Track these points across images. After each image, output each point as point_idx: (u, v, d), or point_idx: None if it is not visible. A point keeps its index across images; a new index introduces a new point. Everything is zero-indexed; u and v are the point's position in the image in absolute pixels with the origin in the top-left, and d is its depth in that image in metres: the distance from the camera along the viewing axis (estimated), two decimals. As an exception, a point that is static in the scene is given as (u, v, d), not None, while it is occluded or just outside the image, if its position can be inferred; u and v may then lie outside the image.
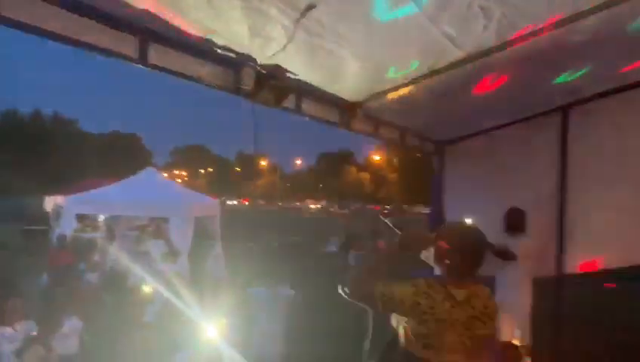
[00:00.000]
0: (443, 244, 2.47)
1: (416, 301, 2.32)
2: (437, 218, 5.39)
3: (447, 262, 2.46)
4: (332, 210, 59.14)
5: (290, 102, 2.82)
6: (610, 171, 4.52)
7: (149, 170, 12.43)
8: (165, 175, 14.71)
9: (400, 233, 2.61)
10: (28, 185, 20.33)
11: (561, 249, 4.72)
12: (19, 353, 3.31)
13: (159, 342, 4.37)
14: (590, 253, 4.64)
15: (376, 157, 71.26)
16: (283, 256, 12.97)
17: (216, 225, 12.59)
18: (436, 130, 4.87)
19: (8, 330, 3.45)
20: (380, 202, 66.47)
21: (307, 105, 3.02)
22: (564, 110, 4.70)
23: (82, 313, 4.89)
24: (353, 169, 75.71)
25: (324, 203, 71.60)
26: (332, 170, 73.71)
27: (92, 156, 48.62)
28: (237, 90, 2.40)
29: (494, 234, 4.57)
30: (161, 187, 11.87)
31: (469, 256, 2.47)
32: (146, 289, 6.45)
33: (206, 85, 2.35)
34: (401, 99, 3.43)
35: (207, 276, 10.22)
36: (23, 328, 3.51)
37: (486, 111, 4.51)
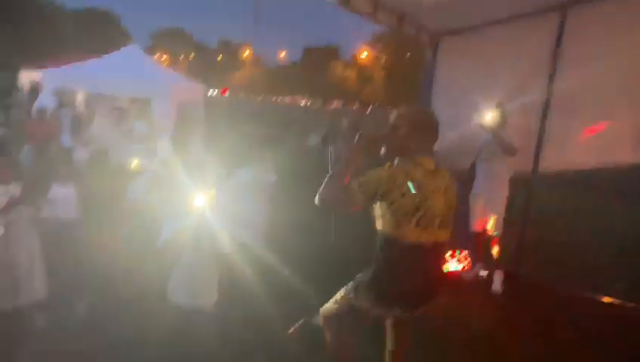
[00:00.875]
0: (402, 127, 2.47)
1: (392, 175, 2.35)
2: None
3: (408, 143, 2.46)
4: (315, 107, 58.63)
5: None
6: (600, 74, 4.56)
7: (133, 47, 11.95)
8: (150, 57, 14.12)
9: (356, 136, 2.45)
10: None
11: (539, 147, 4.87)
12: (2, 211, 3.38)
13: (148, 213, 4.49)
14: (567, 153, 4.83)
15: (364, 54, 69.46)
16: (266, 146, 13.03)
17: (199, 111, 12.47)
18: (435, 17, 4.73)
19: (-2, 188, 3.48)
20: (363, 102, 65.86)
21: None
22: (563, 10, 4.61)
23: (73, 183, 4.99)
24: (339, 65, 73.92)
25: (307, 99, 70.77)
26: (317, 65, 71.86)
27: (66, 32, 46.14)
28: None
29: (480, 131, 4.70)
30: (145, 67, 11.50)
31: (429, 131, 2.50)
32: (132, 165, 6.50)
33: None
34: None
35: (192, 157, 10.27)
36: (5, 188, 3.54)
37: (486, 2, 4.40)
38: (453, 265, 5.26)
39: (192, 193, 3.38)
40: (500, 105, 4.68)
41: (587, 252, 6.29)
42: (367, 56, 69.33)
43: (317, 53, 75.44)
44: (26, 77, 16.89)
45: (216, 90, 71.96)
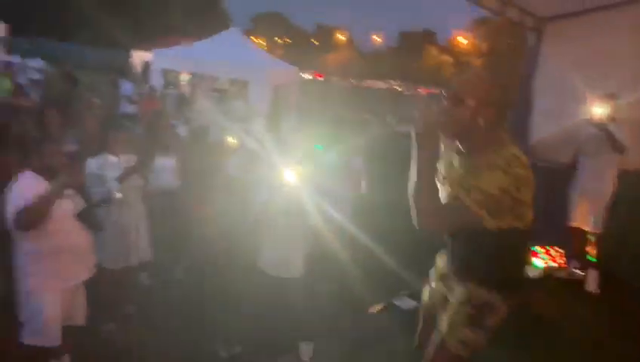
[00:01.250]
0: (471, 101, 1.94)
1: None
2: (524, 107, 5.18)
3: (481, 121, 1.96)
4: (408, 92, 57.60)
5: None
6: None
7: (233, 30, 12.48)
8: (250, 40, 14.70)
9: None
10: (115, 38, 21.05)
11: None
12: (121, 179, 3.72)
13: (242, 187, 4.74)
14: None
15: (462, 40, 66.89)
16: (356, 130, 13.10)
17: (294, 93, 12.80)
18: (542, 0, 4.47)
19: (112, 158, 3.84)
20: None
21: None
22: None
23: (175, 156, 5.37)
24: (434, 50, 71.81)
25: (401, 84, 69.63)
26: (412, 49, 70.34)
27: (172, 13, 48.87)
28: None
29: (584, 124, 4.41)
30: (244, 50, 11.98)
31: (505, 103, 2.02)
32: (229, 142, 6.87)
33: None
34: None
35: (284, 136, 10.64)
36: (125, 158, 3.90)
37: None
38: (543, 261, 5.04)
39: (282, 169, 3.53)
40: (610, 97, 4.34)
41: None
42: (465, 41, 66.68)
43: (413, 38, 73.85)
44: (137, 57, 18.21)
45: (311, 74, 73.11)
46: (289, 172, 3.49)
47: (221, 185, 5.15)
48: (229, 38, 12.00)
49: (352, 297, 3.93)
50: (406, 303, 3.94)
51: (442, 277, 2.39)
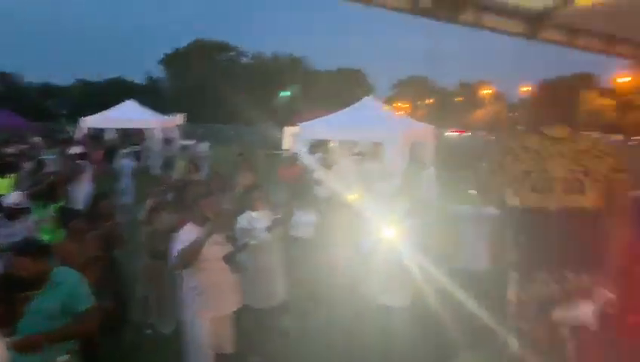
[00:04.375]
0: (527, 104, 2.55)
1: (507, 144, 2.64)
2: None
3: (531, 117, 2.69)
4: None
5: (468, 15, 3.03)
6: None
7: (367, 99, 13.44)
8: (384, 105, 15.64)
9: None
10: (267, 118, 24.18)
11: None
12: (269, 228, 4.40)
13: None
14: None
15: (623, 80, 60.97)
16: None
17: (429, 151, 13.10)
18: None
19: (255, 214, 4.57)
20: (625, 131, 57.58)
21: (488, 18, 3.18)
22: None
23: (314, 211, 6.06)
24: (593, 94, 66.32)
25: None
26: (565, 96, 65.92)
27: (319, 91, 53.01)
28: (413, 8, 2.74)
29: None
30: (377, 114, 12.78)
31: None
32: (356, 201, 7.48)
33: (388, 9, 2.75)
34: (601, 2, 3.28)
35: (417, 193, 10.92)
36: (267, 213, 4.61)
37: None
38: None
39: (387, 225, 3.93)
40: None
41: None
42: (628, 81, 60.67)
43: (564, 83, 69.41)
44: (288, 131, 20.20)
45: (454, 132, 72.48)
46: (389, 228, 3.88)
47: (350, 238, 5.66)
48: (364, 106, 12.95)
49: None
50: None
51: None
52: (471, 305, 4.12)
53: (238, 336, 3.96)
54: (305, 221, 5.85)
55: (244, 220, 4.50)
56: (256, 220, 4.52)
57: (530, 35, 3.44)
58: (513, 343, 2.57)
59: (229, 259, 3.79)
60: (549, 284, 2.38)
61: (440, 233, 4.89)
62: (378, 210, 5.15)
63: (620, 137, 54.43)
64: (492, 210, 6.57)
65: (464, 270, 5.91)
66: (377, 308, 3.87)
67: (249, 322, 4.32)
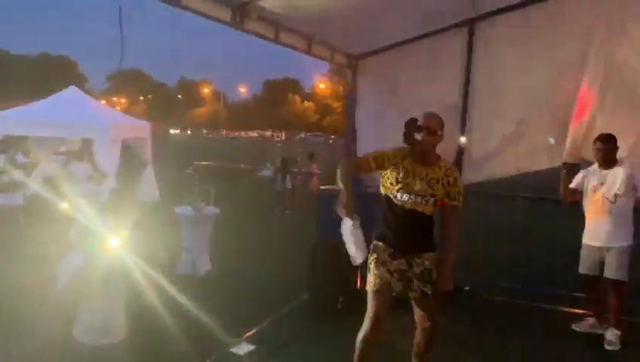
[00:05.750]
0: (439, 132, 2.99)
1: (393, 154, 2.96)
2: (350, 134, 5.51)
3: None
4: (277, 138, 59.02)
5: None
6: (511, 83, 4.74)
7: (72, 88, 11.74)
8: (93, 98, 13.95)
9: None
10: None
11: (459, 162, 4.98)
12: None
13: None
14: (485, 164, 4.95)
15: (322, 86, 70.56)
16: (217, 180, 13.02)
17: (146, 149, 12.33)
18: (347, 42, 4.87)
19: None
20: (325, 131, 66.72)
21: (194, 0, 2.91)
22: (470, 23, 4.81)
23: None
24: (297, 98, 74.83)
25: (269, 132, 71.23)
26: (277, 98, 72.64)
27: (16, 78, 45.37)
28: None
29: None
30: (85, 107, 11.31)
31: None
32: (68, 210, 6.38)
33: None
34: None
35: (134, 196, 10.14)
36: None
37: (397, 21, 4.54)
38: None
39: (106, 234, 3.31)
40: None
41: None
42: (325, 87, 70.46)
43: (276, 87, 76.37)
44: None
45: (178, 130, 71.97)
46: (112, 237, 3.27)
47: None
48: (68, 96, 11.28)
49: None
50: (243, 348, 3.78)
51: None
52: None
53: None
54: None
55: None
56: None
57: (237, 24, 3.31)
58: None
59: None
60: None
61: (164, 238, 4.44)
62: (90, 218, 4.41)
63: (321, 137, 63.02)
64: (212, 209, 6.49)
65: (186, 276, 5.64)
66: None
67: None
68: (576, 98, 4.59)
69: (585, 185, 4.15)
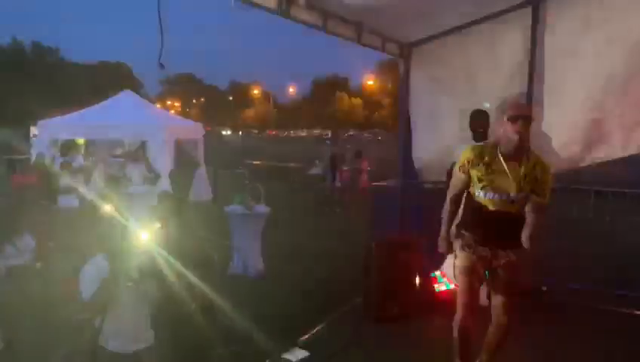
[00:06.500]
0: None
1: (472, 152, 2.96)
2: (404, 126, 5.25)
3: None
4: (325, 136, 58.97)
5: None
6: (584, 66, 4.33)
7: (127, 92, 12.05)
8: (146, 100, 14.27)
9: None
10: (10, 116, 20.01)
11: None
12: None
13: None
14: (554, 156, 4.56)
15: (370, 82, 69.89)
16: (267, 179, 13.01)
17: (199, 149, 12.48)
18: (399, 30, 4.61)
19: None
20: (374, 127, 66.11)
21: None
22: (535, 4, 4.42)
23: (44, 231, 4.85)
24: (345, 95, 74.45)
25: (317, 131, 71.26)
26: (326, 97, 72.54)
27: (77, 85, 47.48)
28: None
29: (464, 140, 4.45)
30: (140, 109, 11.58)
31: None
32: (121, 213, 6.46)
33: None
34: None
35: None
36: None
37: (452, 3, 4.24)
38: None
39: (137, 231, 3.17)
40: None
41: None
42: (373, 84, 69.80)
43: (324, 85, 76.30)
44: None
45: (230, 131, 73.38)
46: (143, 233, 3.13)
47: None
48: (123, 100, 11.57)
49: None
50: (297, 355, 3.61)
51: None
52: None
53: None
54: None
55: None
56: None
57: (283, 12, 3.14)
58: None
59: None
60: None
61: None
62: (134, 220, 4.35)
63: (368, 134, 62.47)
64: (263, 208, 6.40)
65: (238, 276, 5.56)
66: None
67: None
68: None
69: None
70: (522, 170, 2.73)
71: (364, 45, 4.41)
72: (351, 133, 64.73)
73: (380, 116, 68.08)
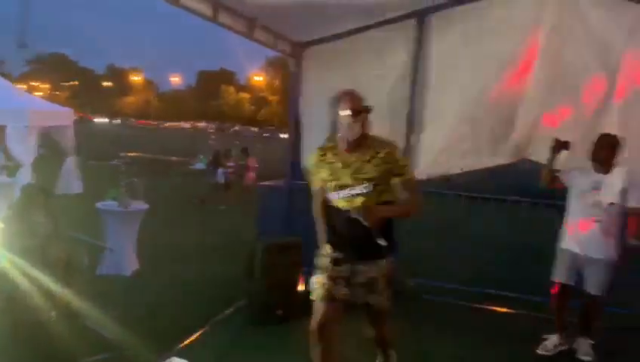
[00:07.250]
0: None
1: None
2: (294, 126, 5.22)
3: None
4: (210, 130, 57.55)
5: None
6: (462, 78, 4.61)
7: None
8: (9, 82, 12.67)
9: None
10: None
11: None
12: None
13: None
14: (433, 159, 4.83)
15: (258, 78, 69.64)
16: (146, 173, 12.29)
17: (68, 138, 11.39)
18: (293, 28, 4.56)
19: None
20: (260, 124, 65.98)
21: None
22: (420, 16, 4.64)
23: None
24: (232, 89, 73.35)
25: (202, 123, 69.33)
26: (212, 90, 70.81)
27: None
28: None
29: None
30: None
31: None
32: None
33: None
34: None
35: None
36: None
37: (345, 8, 4.28)
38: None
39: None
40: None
41: None
42: (261, 80, 69.67)
43: (211, 77, 74.42)
44: None
45: (107, 119, 68.47)
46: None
47: None
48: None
49: None
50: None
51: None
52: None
53: None
54: None
55: None
56: None
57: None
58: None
59: None
60: None
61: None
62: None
63: (255, 129, 62.20)
64: (141, 206, 5.98)
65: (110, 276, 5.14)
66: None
67: None
68: (522, 97, 4.58)
69: (574, 184, 3.77)
70: (364, 158, 2.57)
71: (256, 41, 4.30)
72: (237, 128, 63.96)
73: (267, 113, 68.11)
